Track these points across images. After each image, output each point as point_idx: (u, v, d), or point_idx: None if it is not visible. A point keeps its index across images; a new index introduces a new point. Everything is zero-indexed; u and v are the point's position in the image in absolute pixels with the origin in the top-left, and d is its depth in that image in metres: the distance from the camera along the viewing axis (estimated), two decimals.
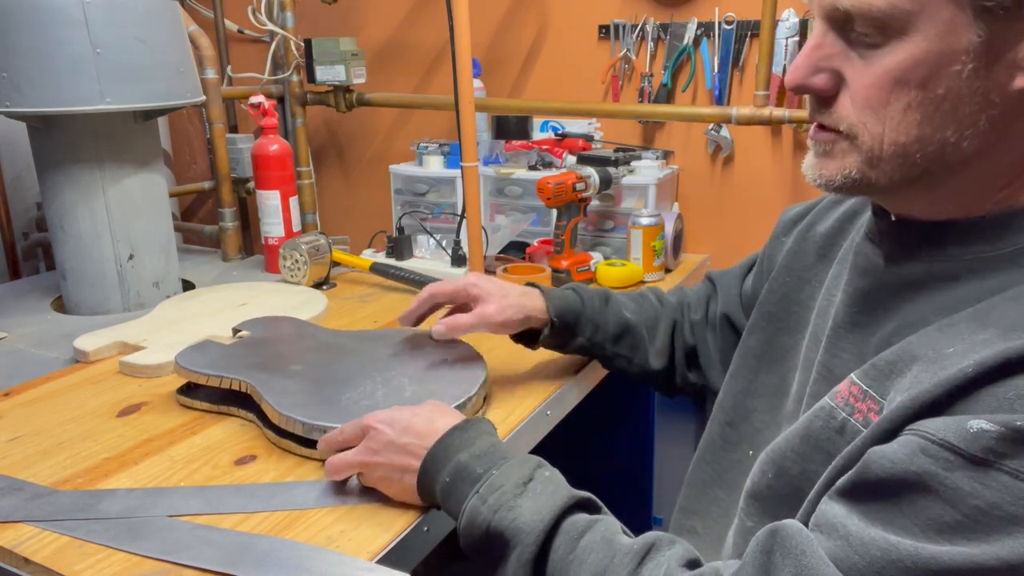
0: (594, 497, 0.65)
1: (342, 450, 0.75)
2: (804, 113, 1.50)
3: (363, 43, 1.84)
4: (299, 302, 1.25)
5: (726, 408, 0.79)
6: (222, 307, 1.23)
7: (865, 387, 0.55)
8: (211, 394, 0.92)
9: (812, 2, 0.56)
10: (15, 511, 0.73)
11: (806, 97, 0.59)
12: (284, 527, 0.70)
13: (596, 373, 1.08)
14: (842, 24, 0.54)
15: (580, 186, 1.43)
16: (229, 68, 1.93)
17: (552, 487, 0.64)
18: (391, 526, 0.70)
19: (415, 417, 0.72)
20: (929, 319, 0.55)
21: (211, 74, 1.58)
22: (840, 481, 0.51)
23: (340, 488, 0.76)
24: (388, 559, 0.67)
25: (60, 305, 1.35)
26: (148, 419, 0.91)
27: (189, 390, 0.94)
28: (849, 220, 0.71)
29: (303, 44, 1.75)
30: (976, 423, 0.45)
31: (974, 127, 0.52)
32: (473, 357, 0.95)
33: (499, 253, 1.58)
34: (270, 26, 1.77)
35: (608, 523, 0.62)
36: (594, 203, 1.55)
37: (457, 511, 0.66)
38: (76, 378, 1.02)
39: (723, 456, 0.77)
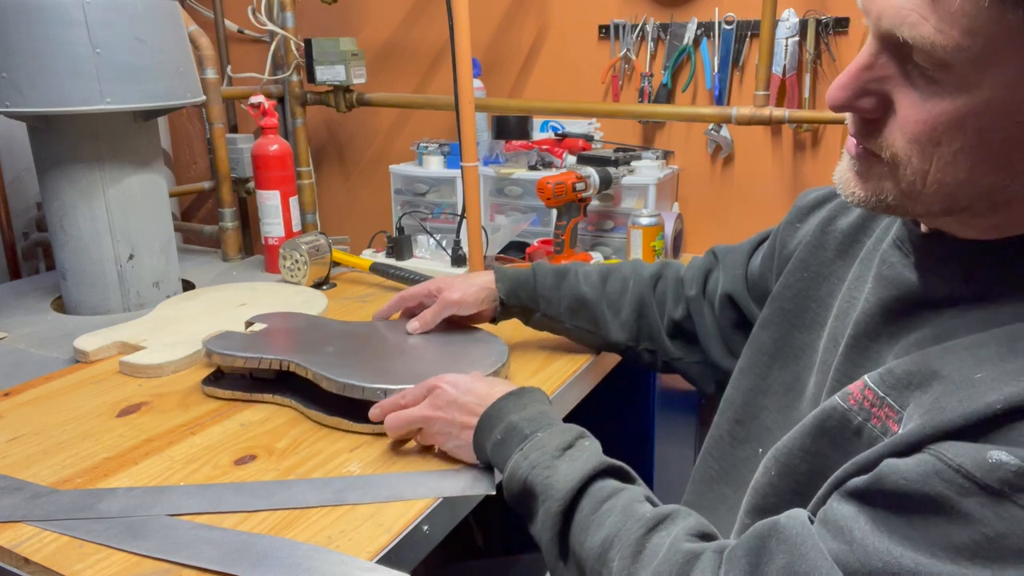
0: (627, 467, 0.68)
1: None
2: (804, 113, 1.50)
3: (363, 43, 1.84)
4: (299, 302, 1.25)
5: (735, 405, 0.78)
6: (222, 307, 1.23)
7: (882, 394, 0.54)
8: (239, 383, 0.94)
9: (868, 18, 0.51)
10: (14, 511, 0.72)
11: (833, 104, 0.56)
12: (284, 527, 0.70)
13: (596, 373, 1.08)
14: (898, 49, 0.49)
15: (580, 186, 1.43)
16: (229, 68, 1.93)
17: (588, 454, 0.68)
18: (391, 526, 0.70)
19: (476, 382, 0.79)
20: (955, 334, 0.53)
21: (211, 74, 1.58)
22: (853, 482, 0.51)
23: (340, 487, 0.76)
24: (388, 559, 0.67)
25: (60, 305, 1.35)
26: (148, 419, 0.91)
27: (215, 380, 0.95)
28: (872, 217, 0.70)
29: (303, 44, 1.75)
30: (997, 454, 0.44)
31: None
32: (488, 336, 1.01)
33: (499, 253, 1.58)
34: (270, 26, 1.77)
35: (633, 492, 0.64)
36: (594, 203, 1.55)
37: (503, 465, 0.72)
38: (76, 378, 1.03)
39: (731, 453, 0.77)
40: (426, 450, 0.83)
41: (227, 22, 2.03)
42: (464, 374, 0.82)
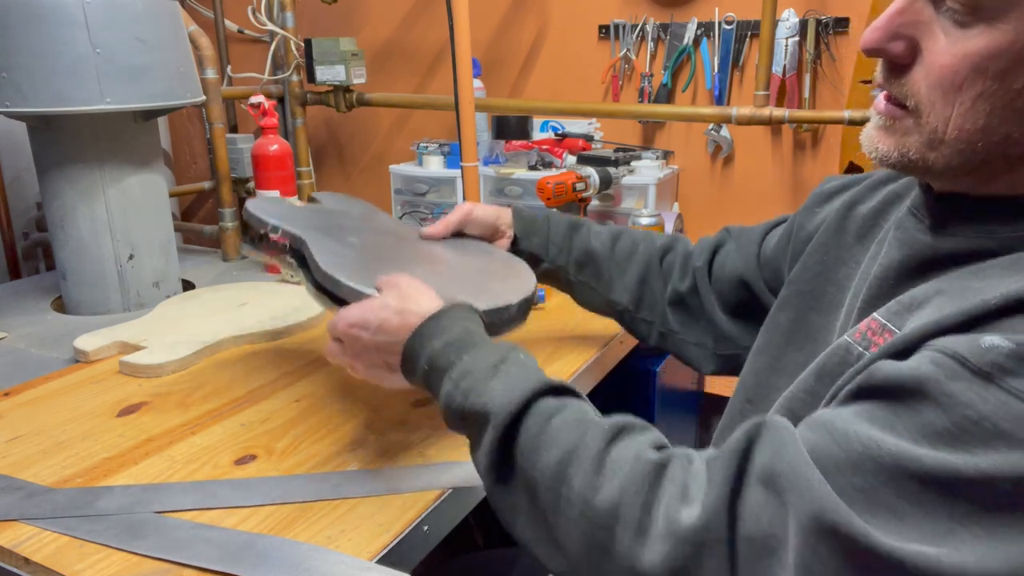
0: (569, 384, 0.63)
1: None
2: (804, 113, 1.50)
3: (363, 43, 1.84)
4: (300, 302, 1.25)
5: (748, 385, 0.77)
6: (222, 307, 1.23)
7: (884, 320, 0.55)
8: (273, 247, 0.92)
9: None
10: (11, 509, 0.72)
11: (874, 66, 0.57)
12: (284, 526, 0.70)
13: (596, 372, 1.08)
14: None
15: (580, 186, 1.43)
16: (229, 68, 1.93)
17: (525, 371, 0.63)
18: (391, 526, 0.70)
19: (384, 311, 0.70)
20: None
21: (211, 74, 1.58)
22: (840, 393, 0.51)
23: (338, 481, 0.76)
24: (388, 559, 0.67)
25: (60, 305, 1.35)
26: (148, 419, 0.91)
27: (255, 242, 0.94)
28: (892, 203, 0.69)
29: (303, 44, 1.75)
30: (990, 339, 0.45)
31: None
32: (521, 267, 0.94)
33: None
34: (270, 26, 1.77)
35: (580, 405, 0.60)
36: (594, 203, 1.56)
37: (437, 396, 0.66)
38: (76, 378, 1.03)
39: None
40: (426, 448, 0.83)
41: (227, 22, 2.03)
42: (373, 299, 0.72)
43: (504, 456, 0.59)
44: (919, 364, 0.47)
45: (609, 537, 0.52)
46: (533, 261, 1.00)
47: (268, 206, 0.93)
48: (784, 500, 0.47)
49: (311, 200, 1.04)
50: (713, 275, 0.93)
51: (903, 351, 0.50)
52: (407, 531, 0.70)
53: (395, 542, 0.69)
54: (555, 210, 1.03)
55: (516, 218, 1.00)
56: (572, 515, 0.54)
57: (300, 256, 0.87)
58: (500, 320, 0.82)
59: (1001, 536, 0.42)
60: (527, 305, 0.86)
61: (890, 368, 0.48)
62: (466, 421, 0.63)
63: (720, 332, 0.92)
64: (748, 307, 0.89)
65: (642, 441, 0.56)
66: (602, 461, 0.54)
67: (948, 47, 0.51)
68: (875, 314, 0.56)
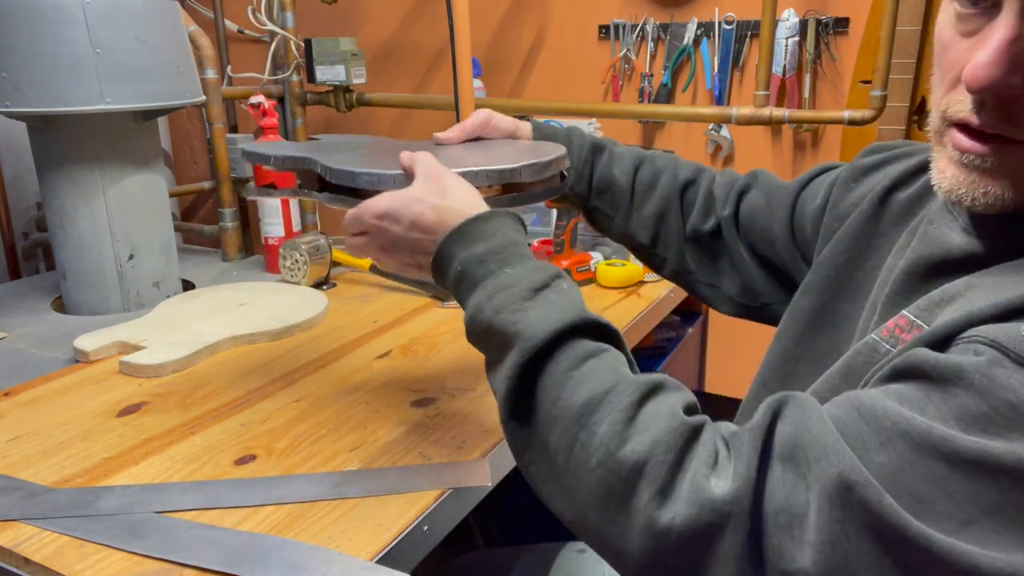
0: (612, 325, 0.59)
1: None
2: (804, 113, 1.50)
3: (363, 43, 1.84)
4: (299, 302, 1.25)
5: (765, 369, 0.74)
6: (222, 307, 1.23)
7: (913, 317, 0.53)
8: (274, 188, 0.89)
9: None
10: (11, 509, 0.72)
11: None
12: (284, 526, 0.70)
13: None
14: None
15: None
16: (229, 68, 1.93)
17: (567, 301, 0.58)
18: (391, 526, 0.70)
19: (420, 205, 0.65)
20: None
21: (211, 74, 1.58)
22: (871, 381, 0.50)
23: (338, 481, 0.76)
24: (388, 559, 0.67)
25: (60, 305, 1.35)
26: (148, 419, 0.91)
27: (260, 189, 0.91)
28: (930, 191, 0.64)
29: (303, 44, 1.75)
30: None
31: None
32: (559, 148, 0.86)
33: None
34: (270, 26, 1.77)
35: (618, 355, 0.57)
36: None
37: (464, 303, 0.62)
38: (76, 378, 1.03)
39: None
40: (426, 448, 0.83)
41: (227, 22, 2.03)
42: (407, 190, 0.66)
43: (525, 385, 0.55)
44: (960, 354, 0.45)
45: (629, 491, 0.49)
46: None
47: (267, 145, 0.89)
48: (807, 475, 0.45)
49: (310, 139, 0.99)
50: (742, 226, 0.87)
51: (936, 343, 0.48)
52: (407, 531, 0.70)
53: (395, 542, 0.69)
54: (577, 126, 0.95)
55: (536, 133, 0.92)
56: (589, 463, 0.51)
57: (309, 178, 0.81)
58: (511, 184, 0.75)
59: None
60: (544, 171, 0.78)
61: (928, 354, 0.46)
62: (490, 338, 0.59)
63: (745, 282, 0.87)
64: (777, 268, 0.85)
65: (676, 399, 0.53)
66: (633, 414, 0.51)
67: None
68: (904, 311, 0.54)
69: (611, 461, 0.50)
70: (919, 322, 0.52)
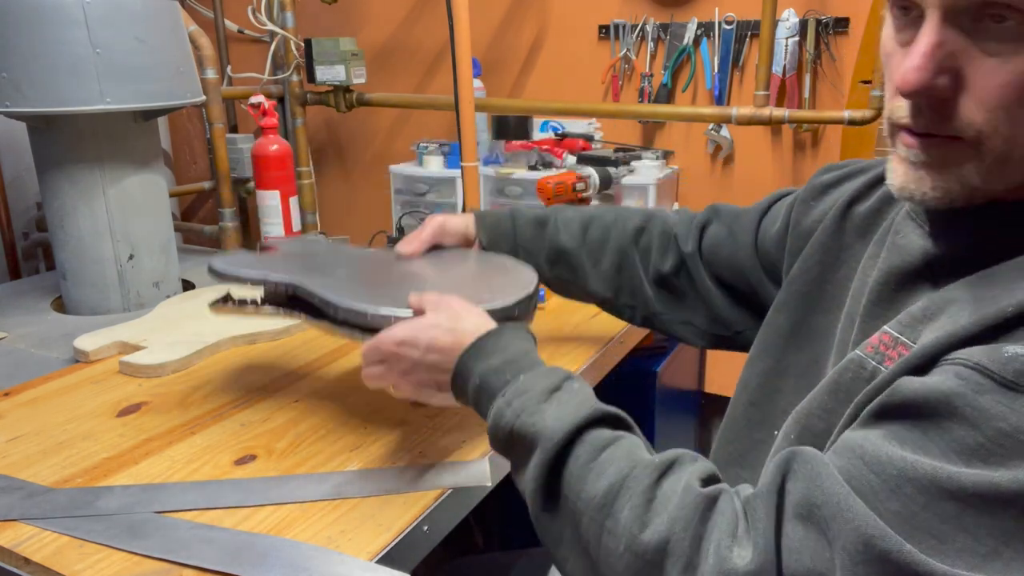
0: (623, 414, 0.62)
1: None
2: (804, 113, 1.50)
3: (363, 43, 1.84)
4: None
5: (750, 387, 0.76)
6: None
7: (896, 334, 0.54)
8: (246, 302, 0.89)
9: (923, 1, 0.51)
10: (11, 509, 0.72)
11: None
12: (284, 526, 0.70)
13: (596, 372, 1.08)
14: (966, 16, 0.49)
15: (580, 186, 1.43)
16: (229, 68, 1.94)
17: (580, 398, 0.62)
18: (391, 526, 0.70)
19: (436, 330, 0.70)
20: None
21: (211, 74, 1.58)
22: (866, 410, 0.51)
23: (338, 481, 0.76)
24: (388, 559, 0.67)
25: (60, 305, 1.35)
26: (148, 419, 0.91)
27: (223, 301, 0.90)
28: (889, 202, 0.68)
29: (303, 44, 1.75)
30: (1012, 348, 0.45)
31: None
32: (516, 264, 0.92)
33: None
34: (270, 26, 1.77)
35: (633, 440, 0.60)
36: (594, 203, 1.55)
37: (486, 413, 0.65)
38: (76, 378, 1.02)
39: (746, 435, 0.75)
40: (426, 448, 0.83)
41: (227, 22, 2.03)
42: (422, 318, 0.71)
43: (551, 482, 0.59)
44: (943, 379, 0.46)
45: (658, 572, 0.51)
46: None
47: (235, 260, 0.89)
48: (826, 532, 0.46)
49: (263, 249, 0.99)
50: (705, 259, 0.90)
51: (922, 366, 0.49)
52: (407, 531, 0.70)
53: (395, 542, 0.69)
54: (521, 207, 0.99)
55: (480, 225, 0.97)
56: (618, 549, 0.53)
57: (285, 301, 0.86)
58: (507, 318, 0.79)
59: None
60: (531, 302, 0.84)
61: (914, 385, 0.48)
62: (513, 443, 0.62)
63: (715, 314, 0.90)
64: (745, 294, 0.88)
65: (691, 472, 0.55)
66: (652, 495, 0.54)
67: (1000, 66, 0.49)
68: (886, 327, 0.55)
69: (636, 545, 0.52)
70: (903, 339, 0.54)
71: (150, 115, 1.27)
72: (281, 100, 1.89)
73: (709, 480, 0.55)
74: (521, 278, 0.87)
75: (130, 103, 1.19)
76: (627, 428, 0.62)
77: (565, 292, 1.00)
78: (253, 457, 0.82)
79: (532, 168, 1.65)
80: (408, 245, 0.94)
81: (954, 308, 0.51)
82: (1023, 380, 0.44)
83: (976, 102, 0.50)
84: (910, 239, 0.60)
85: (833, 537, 0.46)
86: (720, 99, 1.65)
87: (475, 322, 0.70)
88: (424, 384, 0.71)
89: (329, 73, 1.73)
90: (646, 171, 1.61)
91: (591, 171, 1.47)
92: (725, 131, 1.68)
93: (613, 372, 1.14)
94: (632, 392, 1.49)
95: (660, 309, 0.94)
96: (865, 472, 0.47)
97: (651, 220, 0.96)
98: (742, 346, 0.86)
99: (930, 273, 0.57)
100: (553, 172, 1.55)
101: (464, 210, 1.40)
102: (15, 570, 0.67)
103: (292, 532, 0.69)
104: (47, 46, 1.13)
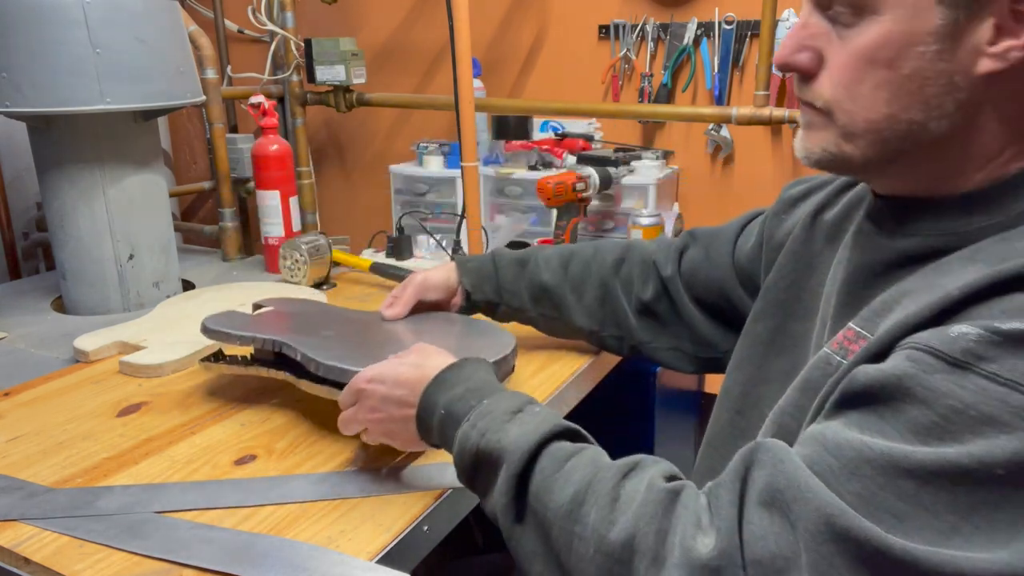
0: (582, 430, 0.64)
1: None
2: None
3: (363, 43, 1.84)
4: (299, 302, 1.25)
5: (733, 396, 0.77)
6: (222, 307, 1.22)
7: (859, 329, 0.57)
8: (236, 359, 0.93)
9: None
10: (11, 509, 0.72)
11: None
12: (284, 526, 0.70)
13: (596, 373, 1.08)
14: (825, 5, 0.57)
15: (580, 186, 1.43)
16: (229, 68, 1.94)
17: (542, 417, 0.64)
18: (391, 526, 0.70)
19: (402, 367, 0.73)
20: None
21: (211, 74, 1.58)
22: (826, 406, 0.53)
23: (337, 481, 0.76)
24: (388, 559, 0.68)
25: (60, 305, 1.35)
26: (148, 419, 0.91)
27: (215, 358, 0.94)
28: (854, 207, 0.71)
29: (303, 44, 1.75)
30: (958, 327, 0.47)
31: (941, 109, 0.54)
32: (492, 327, 0.97)
33: None
34: (270, 26, 1.77)
35: (596, 449, 0.62)
36: (594, 203, 1.56)
37: (451, 440, 0.66)
38: (76, 378, 1.03)
39: (732, 443, 0.75)
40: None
41: (227, 22, 2.03)
42: (390, 360, 0.75)
43: (519, 496, 0.60)
44: (896, 363, 0.48)
45: (627, 571, 0.52)
46: (490, 308, 1.01)
47: (226, 320, 0.94)
48: (789, 516, 0.47)
49: (257, 307, 1.03)
50: (685, 281, 0.93)
51: (878, 354, 0.51)
52: (407, 531, 0.70)
53: (395, 542, 0.69)
54: (502, 249, 1.03)
55: (463, 271, 1.01)
56: (588, 553, 0.54)
57: (272, 359, 0.89)
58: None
59: (1005, 529, 0.43)
60: (508, 363, 0.89)
61: (870, 371, 0.50)
62: (480, 462, 0.63)
63: (699, 336, 0.92)
64: (726, 313, 0.90)
65: (654, 472, 0.56)
66: (616, 495, 0.55)
67: (842, 48, 0.56)
68: (851, 323, 0.58)
69: (605, 545, 0.53)
70: (864, 332, 0.56)
71: (150, 115, 1.27)
72: (281, 100, 1.89)
73: (672, 479, 0.57)
74: (499, 340, 0.92)
75: (130, 103, 1.19)
76: (588, 442, 0.64)
77: (551, 330, 1.03)
78: (253, 457, 0.82)
79: (532, 168, 1.65)
80: (391, 309, 0.98)
81: (908, 299, 0.54)
82: (970, 358, 0.45)
83: (828, 78, 0.57)
84: (869, 238, 0.63)
85: (795, 519, 0.47)
86: (720, 99, 1.65)
87: (441, 360, 0.73)
88: (393, 420, 0.73)
89: (329, 73, 1.73)
90: (646, 171, 1.61)
91: (591, 171, 1.47)
92: (725, 131, 1.68)
93: (613, 372, 1.14)
94: (632, 392, 1.49)
95: (646, 338, 0.96)
96: (825, 456, 0.48)
97: (630, 251, 0.99)
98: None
99: (890, 270, 0.60)
100: (553, 172, 1.55)
101: (464, 210, 1.40)
102: (15, 570, 0.67)
103: (292, 532, 0.69)
104: (47, 46, 1.13)
